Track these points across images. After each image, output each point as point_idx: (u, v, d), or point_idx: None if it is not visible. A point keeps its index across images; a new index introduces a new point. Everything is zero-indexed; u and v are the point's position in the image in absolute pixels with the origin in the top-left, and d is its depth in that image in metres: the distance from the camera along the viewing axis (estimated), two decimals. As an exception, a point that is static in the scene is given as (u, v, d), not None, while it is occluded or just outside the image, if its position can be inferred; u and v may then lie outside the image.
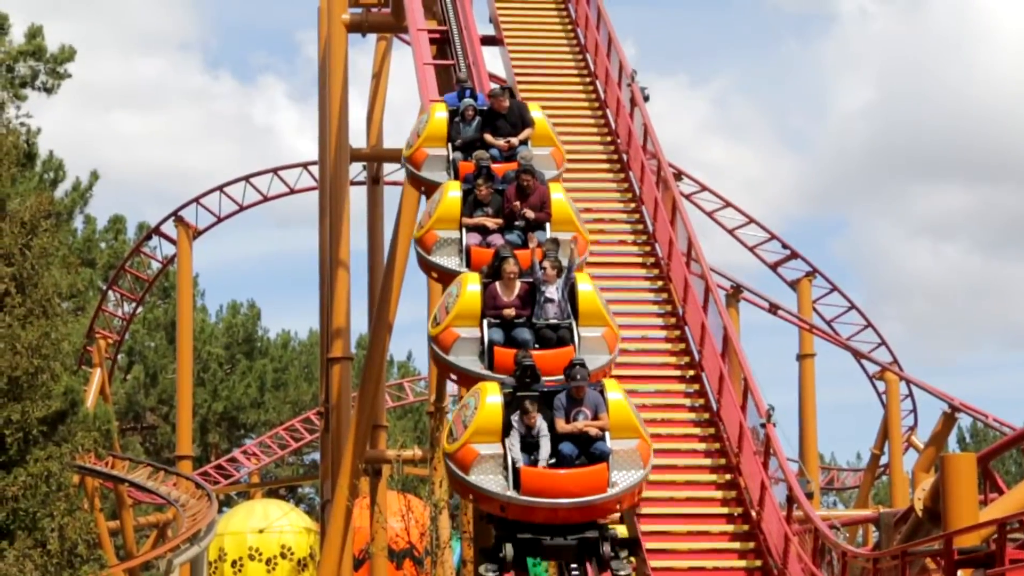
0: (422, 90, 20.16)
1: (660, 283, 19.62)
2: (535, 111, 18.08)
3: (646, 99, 21.33)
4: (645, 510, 16.45)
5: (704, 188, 41.84)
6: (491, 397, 14.03)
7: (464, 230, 16.24)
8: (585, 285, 15.40)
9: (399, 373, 65.96)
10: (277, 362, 64.88)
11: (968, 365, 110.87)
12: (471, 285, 15.23)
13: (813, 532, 15.78)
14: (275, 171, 43.23)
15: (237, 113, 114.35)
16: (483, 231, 16.29)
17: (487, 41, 22.96)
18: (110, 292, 45.06)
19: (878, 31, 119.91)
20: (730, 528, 16.71)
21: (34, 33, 24.75)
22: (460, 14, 22.40)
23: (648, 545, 16.06)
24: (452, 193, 16.45)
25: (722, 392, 17.40)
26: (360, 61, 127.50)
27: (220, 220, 42.79)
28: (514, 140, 17.61)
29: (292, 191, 43.38)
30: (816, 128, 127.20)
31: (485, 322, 15.06)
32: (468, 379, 14.92)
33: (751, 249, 42.68)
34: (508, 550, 13.70)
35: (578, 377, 14.08)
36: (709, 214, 41.76)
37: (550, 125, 18.20)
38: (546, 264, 15.25)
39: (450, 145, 17.69)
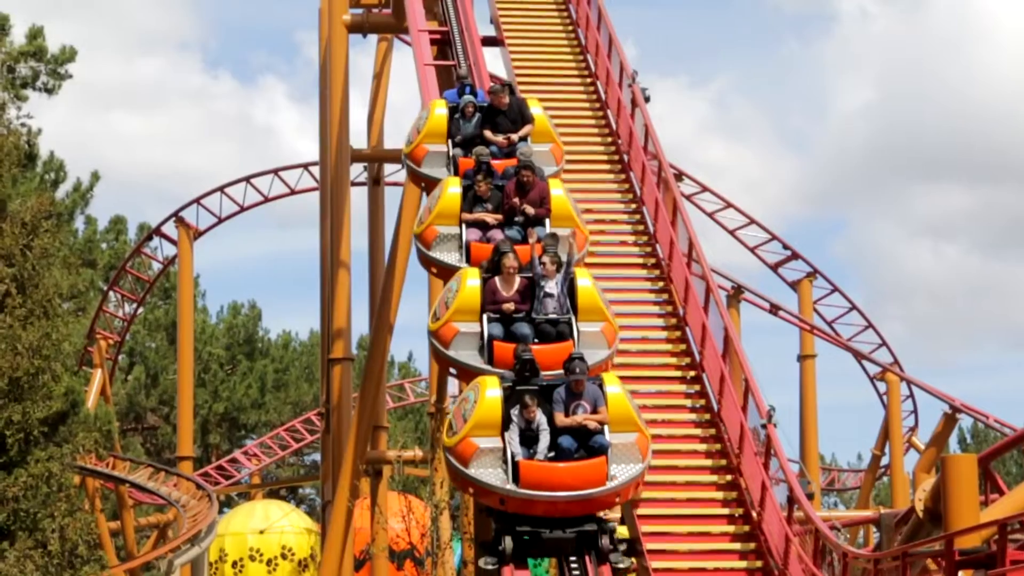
0: (423, 91, 20.16)
1: (661, 284, 19.63)
2: (535, 107, 18.14)
3: (647, 100, 21.34)
4: (646, 511, 16.47)
5: (705, 189, 41.84)
6: (490, 391, 14.08)
7: (464, 226, 16.32)
8: (584, 280, 15.47)
9: (400, 374, 65.98)
10: (278, 363, 64.88)
11: (969, 365, 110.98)
12: (471, 280, 15.30)
13: (814, 533, 15.78)
14: (276, 172, 43.24)
15: (238, 114, 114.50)
16: (483, 227, 16.36)
17: (488, 42, 22.96)
18: (111, 293, 45.08)
19: (878, 31, 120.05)
20: (731, 529, 16.71)
21: (35, 34, 24.74)
22: (461, 15, 22.40)
23: (649, 546, 16.06)
24: (452, 189, 16.52)
25: (723, 393, 17.41)
26: (361, 62, 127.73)
27: (221, 221, 42.81)
28: (514, 136, 17.66)
29: (293, 192, 43.39)
30: (816, 128, 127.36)
31: (485, 317, 15.14)
32: (468, 373, 14.98)
33: (752, 250, 42.68)
34: (507, 543, 13.75)
35: (577, 371, 14.14)
36: (710, 215, 41.77)
37: (550, 121, 18.25)
38: (545, 259, 15.33)
39: (450, 141, 17.76)
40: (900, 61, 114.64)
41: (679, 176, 39.06)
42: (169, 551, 29.05)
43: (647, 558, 15.93)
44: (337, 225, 28.79)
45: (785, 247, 42.93)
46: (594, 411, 14.09)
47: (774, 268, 43.04)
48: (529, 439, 13.94)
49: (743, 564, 16.32)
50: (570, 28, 24.63)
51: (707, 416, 17.85)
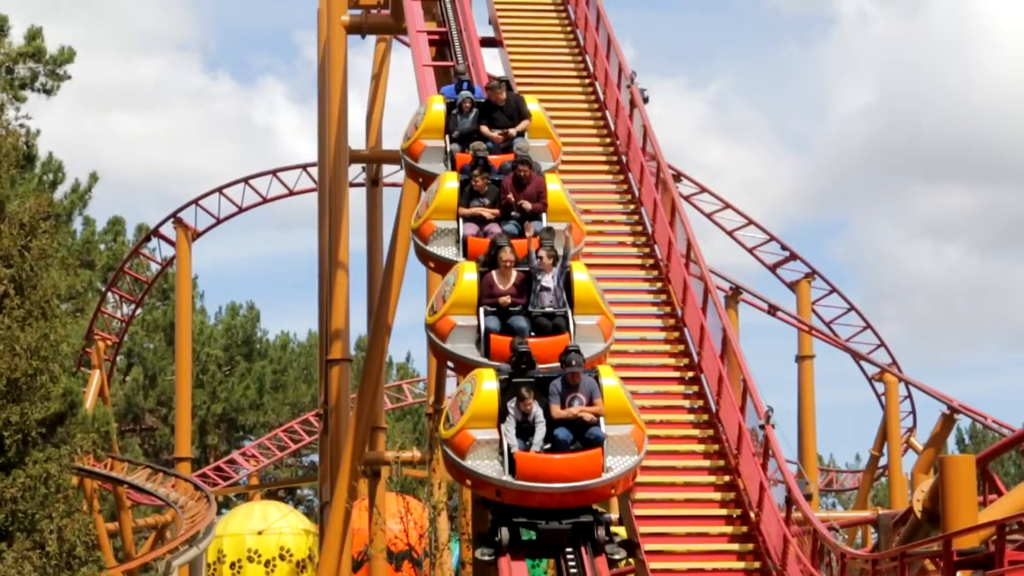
0: (421, 91, 20.17)
1: (659, 284, 19.63)
2: (532, 103, 18.23)
3: (645, 100, 21.34)
4: (644, 511, 16.48)
5: (703, 190, 41.87)
6: (487, 383, 14.17)
7: (461, 220, 16.40)
8: (580, 274, 15.56)
9: (398, 375, 65.98)
10: (276, 364, 64.89)
11: (967, 366, 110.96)
12: (467, 274, 15.38)
13: (812, 533, 15.78)
14: (274, 173, 43.24)
15: (236, 114, 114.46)
16: (480, 221, 16.44)
17: (486, 43, 22.95)
18: (109, 294, 45.11)
19: (878, 33, 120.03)
20: (729, 530, 16.71)
21: (34, 35, 24.76)
22: (459, 16, 22.40)
23: (647, 546, 16.06)
24: (449, 184, 16.60)
25: (721, 393, 17.41)
26: (359, 63, 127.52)
27: (219, 222, 42.81)
28: (512, 131, 17.73)
29: (291, 192, 43.40)
30: (816, 130, 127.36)
31: (481, 310, 15.21)
32: (465, 366, 15.04)
33: (750, 250, 42.71)
34: (504, 534, 13.83)
35: (573, 363, 14.21)
36: (708, 215, 41.80)
37: (547, 117, 18.34)
38: (542, 253, 15.41)
39: (447, 137, 17.85)
40: (899, 62, 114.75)
41: (677, 177, 39.07)
42: (167, 552, 29.05)
43: (645, 558, 15.93)
44: (335, 226, 28.79)
45: (783, 248, 42.97)
46: (590, 403, 14.17)
47: (772, 269, 43.07)
48: (525, 431, 14.02)
49: (741, 565, 16.33)
50: (569, 29, 24.63)
51: (705, 417, 17.85)
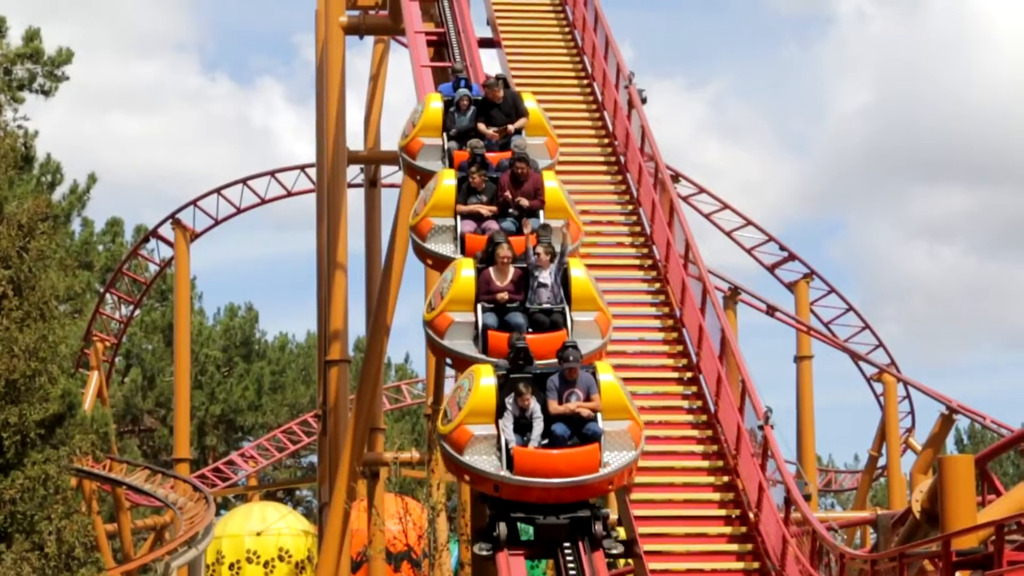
0: (420, 92, 20.17)
1: (658, 285, 19.63)
2: (529, 101, 18.33)
3: (644, 101, 21.34)
4: (643, 512, 16.47)
5: (702, 190, 41.87)
6: (485, 379, 14.24)
7: (459, 217, 16.47)
8: (578, 271, 15.64)
9: (397, 376, 65.97)
10: (275, 365, 64.88)
11: (966, 366, 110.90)
12: (465, 270, 15.45)
13: (811, 534, 15.78)
14: (273, 174, 43.23)
15: (235, 115, 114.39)
16: (477, 218, 16.51)
17: (485, 43, 22.95)
18: (108, 295, 45.09)
19: (876, 33, 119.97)
20: (728, 530, 16.70)
21: (32, 36, 24.74)
22: (457, 16, 22.41)
23: (646, 547, 16.05)
24: (447, 181, 16.67)
25: (720, 394, 17.41)
26: (357, 63, 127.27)
27: (218, 223, 42.79)
28: (510, 127, 17.79)
29: (290, 193, 43.38)
30: (814, 130, 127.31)
31: (479, 307, 15.30)
32: (463, 363, 15.12)
33: (749, 251, 42.71)
34: (502, 529, 13.91)
35: (571, 359, 14.29)
36: (707, 216, 41.79)
37: (544, 115, 18.40)
38: (539, 249, 15.49)
39: (445, 135, 17.91)
40: (898, 63, 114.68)
41: (676, 178, 39.06)
42: (166, 553, 29.02)
43: (644, 559, 15.92)
44: (334, 227, 28.79)
45: (782, 248, 42.97)
46: (587, 399, 14.25)
47: (771, 269, 43.07)
48: (523, 426, 14.11)
49: (740, 565, 16.32)
50: (567, 29, 24.62)
51: (704, 417, 17.84)
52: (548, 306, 15.30)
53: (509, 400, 14.13)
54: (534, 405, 14.12)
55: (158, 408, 60.25)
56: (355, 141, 32.43)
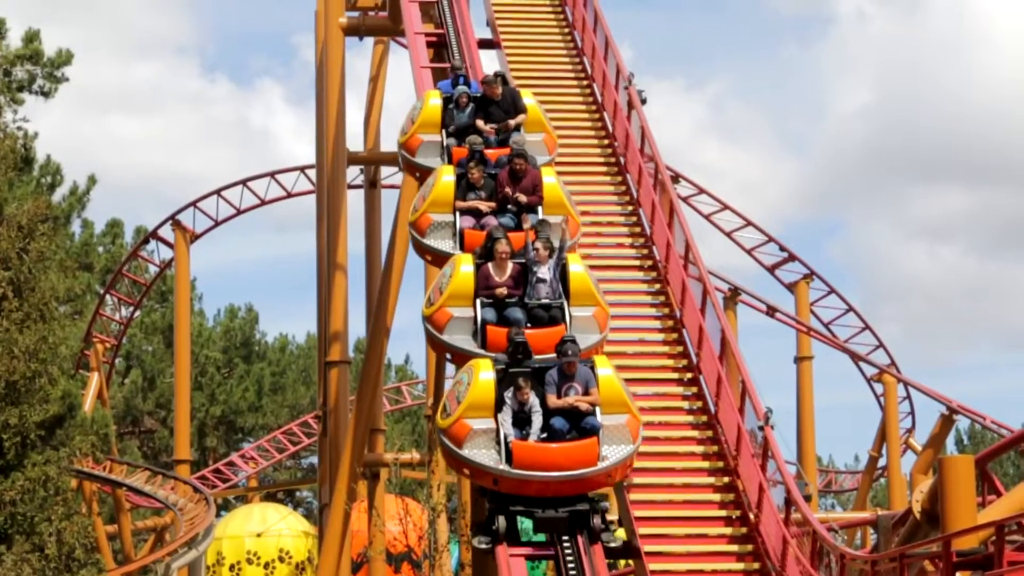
0: (419, 94, 20.15)
1: (658, 286, 19.63)
2: (527, 98, 18.41)
3: (643, 102, 21.34)
4: (643, 512, 16.47)
5: (702, 191, 41.87)
6: (484, 373, 14.31)
7: (457, 213, 16.53)
8: (576, 266, 15.71)
9: (397, 377, 65.96)
10: (275, 366, 64.87)
11: (965, 366, 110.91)
12: (464, 266, 15.52)
13: (811, 534, 15.78)
14: (272, 175, 43.22)
15: (234, 117, 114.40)
16: (476, 214, 16.58)
17: (484, 44, 22.95)
18: (108, 296, 45.09)
19: (876, 33, 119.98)
20: (728, 531, 16.71)
21: (31, 37, 24.73)
22: (457, 17, 22.41)
23: (646, 548, 16.05)
24: (446, 177, 16.75)
25: (720, 395, 17.41)
26: (357, 65, 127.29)
27: (217, 224, 42.79)
28: (511, 122, 17.88)
29: (290, 195, 43.38)
30: (814, 130, 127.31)
31: (478, 302, 15.35)
32: (462, 357, 15.17)
33: (749, 252, 42.71)
34: (501, 522, 13.97)
35: (569, 353, 14.35)
36: (707, 217, 41.79)
37: (542, 112, 18.47)
38: (538, 245, 15.54)
39: (444, 131, 17.98)
40: (898, 63, 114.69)
41: (676, 178, 39.06)
42: (166, 554, 29.02)
43: (645, 559, 15.92)
44: (334, 228, 28.79)
45: (782, 249, 42.98)
46: (586, 393, 14.31)
47: (771, 270, 43.08)
48: (522, 420, 14.18)
49: (740, 566, 16.32)
50: (566, 30, 24.62)
51: (704, 418, 17.84)
52: (547, 301, 15.39)
53: (508, 394, 14.20)
54: (533, 399, 14.20)
55: (158, 409, 60.25)
56: (355, 142, 32.44)
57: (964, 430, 68.48)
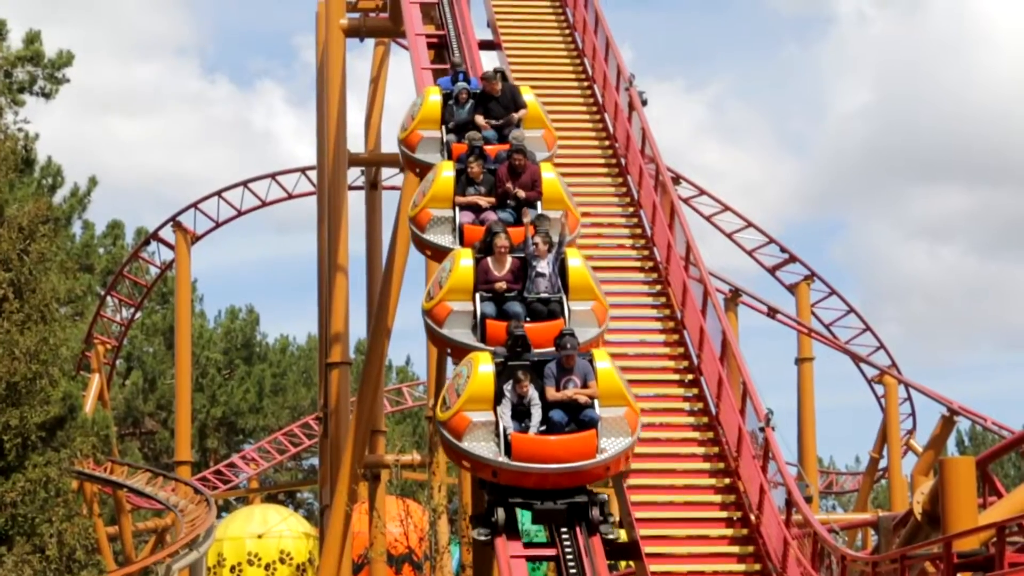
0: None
1: (658, 287, 19.64)
2: (527, 94, 18.53)
3: (644, 103, 21.35)
4: (644, 514, 16.48)
5: (702, 192, 41.85)
6: (483, 366, 14.41)
7: (457, 208, 16.64)
8: (575, 260, 15.81)
9: (398, 378, 65.95)
10: (276, 367, 64.86)
11: (966, 367, 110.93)
12: (464, 260, 15.62)
13: (812, 536, 15.78)
14: (273, 176, 43.20)
15: (235, 118, 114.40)
16: (476, 209, 16.67)
17: (485, 45, 22.96)
18: (108, 297, 45.09)
19: (876, 33, 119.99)
20: (729, 532, 16.71)
21: (32, 38, 24.75)
22: (458, 18, 22.42)
23: (647, 549, 16.06)
24: (446, 172, 16.86)
25: (721, 396, 17.42)
26: (358, 66, 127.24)
27: (218, 225, 42.77)
28: (514, 116, 17.97)
29: (290, 196, 43.36)
30: (814, 131, 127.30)
31: (478, 296, 15.47)
32: (461, 351, 15.26)
33: (749, 253, 42.70)
34: (500, 514, 14.07)
35: (568, 346, 14.46)
36: (707, 218, 41.78)
37: (542, 108, 18.57)
38: (537, 239, 15.65)
39: (444, 127, 18.09)
40: (898, 63, 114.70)
41: (676, 179, 39.05)
42: (167, 556, 28.98)
43: (645, 560, 15.93)
44: (335, 229, 28.79)
45: (783, 250, 42.96)
46: (584, 386, 14.40)
47: (772, 271, 43.07)
48: (521, 413, 14.28)
49: (741, 567, 16.33)
50: (567, 32, 24.61)
51: (705, 419, 17.85)
52: (546, 295, 15.50)
53: (507, 387, 14.30)
54: (532, 392, 14.30)
55: (159, 411, 60.25)
56: (356, 143, 32.44)
57: (965, 431, 68.51)
